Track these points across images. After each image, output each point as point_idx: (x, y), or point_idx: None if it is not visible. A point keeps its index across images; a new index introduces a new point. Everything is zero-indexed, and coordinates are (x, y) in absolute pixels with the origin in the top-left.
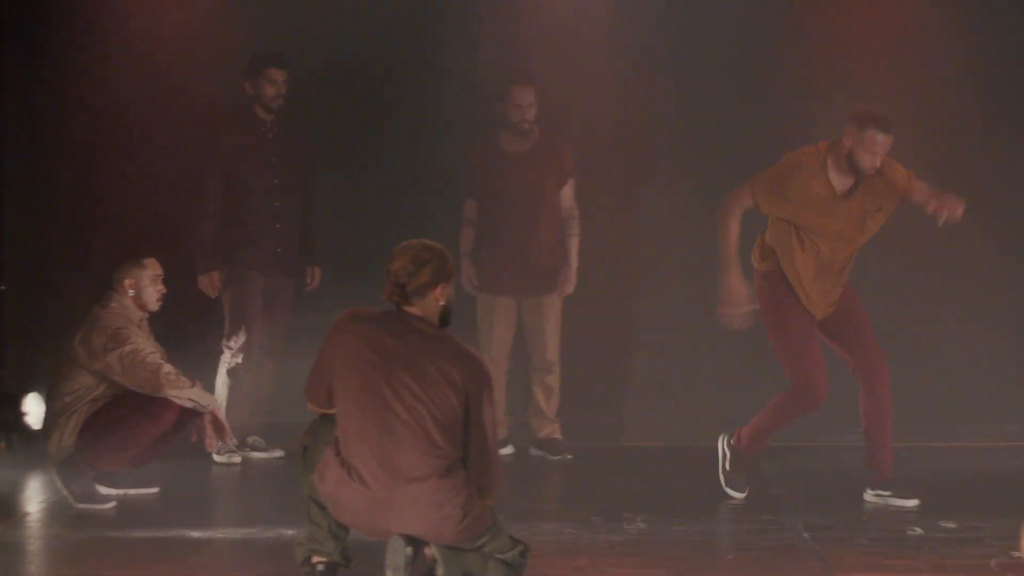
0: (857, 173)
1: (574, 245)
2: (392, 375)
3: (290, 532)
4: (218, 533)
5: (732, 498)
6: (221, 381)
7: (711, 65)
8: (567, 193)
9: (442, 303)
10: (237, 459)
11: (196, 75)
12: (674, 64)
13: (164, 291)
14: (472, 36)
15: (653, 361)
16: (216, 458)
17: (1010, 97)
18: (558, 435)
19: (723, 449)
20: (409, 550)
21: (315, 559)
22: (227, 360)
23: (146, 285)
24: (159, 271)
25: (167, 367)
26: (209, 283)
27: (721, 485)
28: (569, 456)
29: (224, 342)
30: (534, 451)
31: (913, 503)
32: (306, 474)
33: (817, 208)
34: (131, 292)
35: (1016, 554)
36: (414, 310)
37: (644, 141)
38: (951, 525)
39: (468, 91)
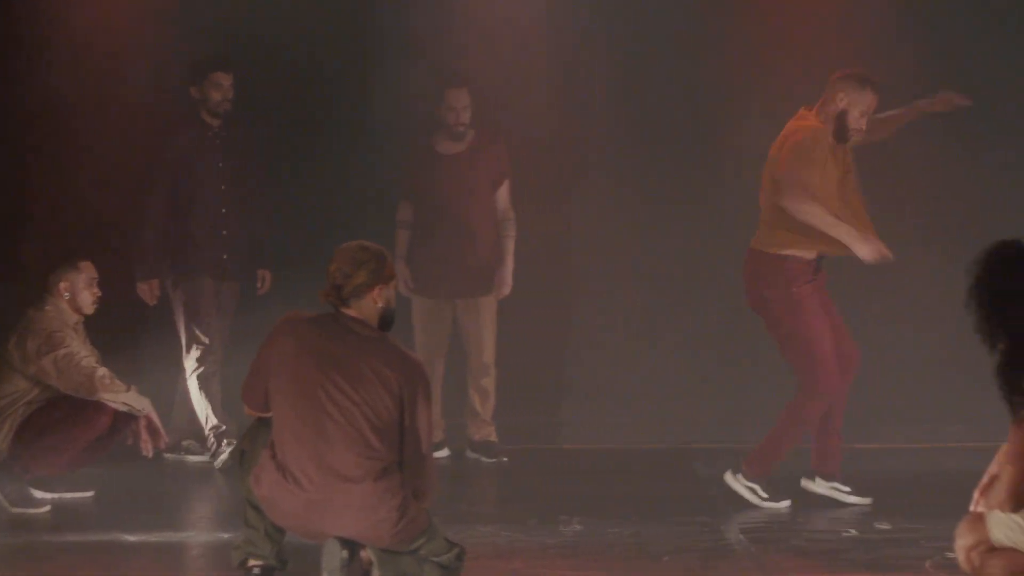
0: (842, 137)
1: (510, 246)
2: (327, 377)
3: (226, 535)
4: (153, 537)
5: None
6: (196, 393)
7: (645, 66)
8: (503, 194)
9: (380, 305)
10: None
11: (138, 78)
12: (608, 64)
13: (99, 294)
14: (407, 38)
15: (589, 363)
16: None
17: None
18: (494, 437)
19: (744, 486)
20: (345, 553)
21: (251, 562)
22: (193, 369)
23: (81, 288)
24: (94, 274)
25: (102, 370)
26: (148, 291)
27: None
28: (505, 458)
29: (185, 353)
30: (470, 453)
31: (867, 501)
32: (243, 477)
33: (833, 189)
34: (66, 295)
35: (950, 555)
36: (352, 312)
37: (579, 141)
38: (886, 527)
39: (404, 93)
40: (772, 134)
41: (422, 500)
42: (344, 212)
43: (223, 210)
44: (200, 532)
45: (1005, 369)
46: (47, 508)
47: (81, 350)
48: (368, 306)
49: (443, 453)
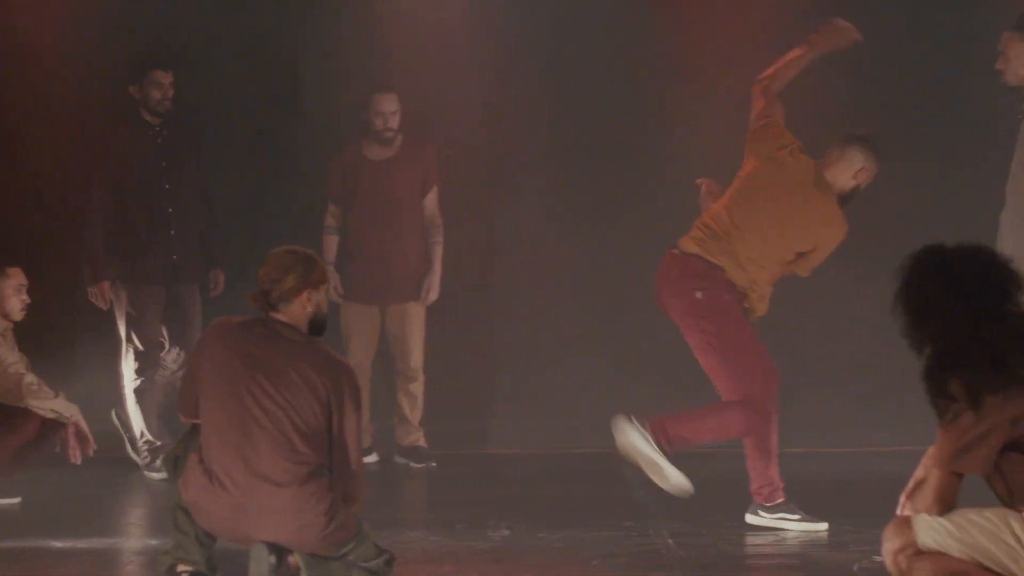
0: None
1: (438, 253)
2: (254, 382)
3: (155, 542)
4: (81, 543)
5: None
6: (131, 404)
7: (574, 71)
8: (431, 201)
9: (310, 310)
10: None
11: (73, 78)
12: (536, 70)
13: (28, 301)
14: (335, 43)
15: (517, 368)
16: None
17: (891, 95)
18: (423, 443)
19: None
20: (272, 558)
21: (181, 567)
22: (131, 380)
23: (9, 295)
24: (23, 281)
25: (29, 377)
26: (99, 294)
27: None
28: (434, 463)
29: (122, 362)
30: (399, 459)
31: (823, 527)
32: (175, 482)
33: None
34: None
35: (878, 558)
36: (281, 317)
37: (507, 147)
38: None
39: (333, 99)
40: (699, 138)
41: (351, 505)
42: (292, 211)
43: (169, 209)
44: (129, 538)
45: (932, 373)
46: None
47: (8, 356)
48: (297, 311)
49: (372, 458)
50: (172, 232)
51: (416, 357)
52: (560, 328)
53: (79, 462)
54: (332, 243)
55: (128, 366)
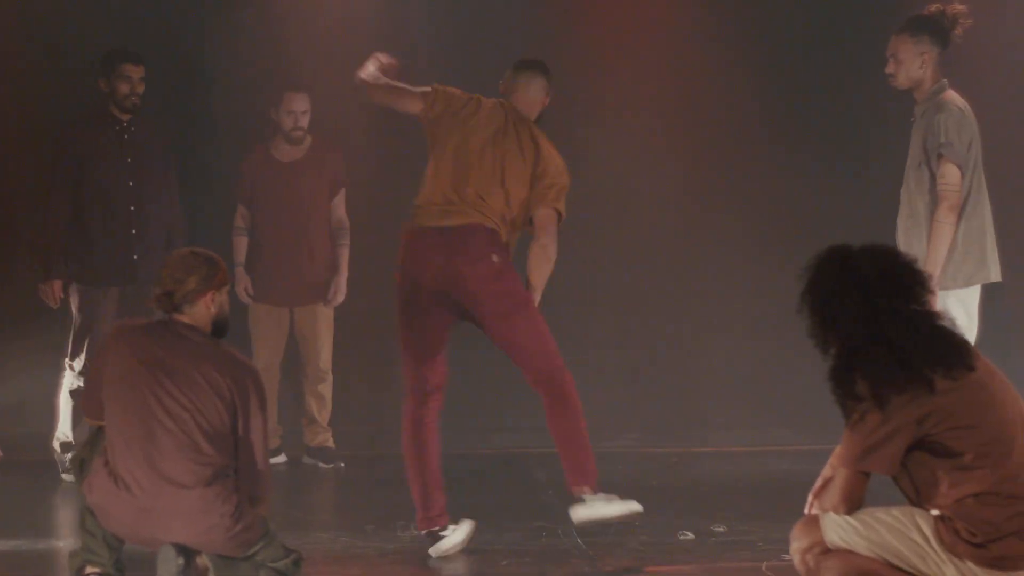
0: None
1: (344, 255)
2: (157, 384)
3: (61, 543)
4: None
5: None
6: (64, 400)
7: (481, 71)
8: (338, 203)
9: (213, 311)
10: None
11: (36, 71)
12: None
13: None
14: (245, 42)
15: None
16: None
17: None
18: (331, 443)
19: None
20: (180, 560)
21: (89, 569)
22: (70, 381)
23: None
24: None
25: None
26: (49, 292)
27: None
28: (342, 464)
29: (67, 360)
30: (307, 459)
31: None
32: (81, 485)
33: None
34: None
35: (787, 557)
36: (184, 319)
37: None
38: (722, 529)
39: (242, 98)
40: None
41: (258, 506)
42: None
43: (131, 207)
44: (38, 540)
45: (838, 373)
46: None
47: None
48: (201, 312)
49: (280, 459)
50: (133, 231)
51: (325, 358)
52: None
53: None
54: (242, 244)
55: (71, 368)
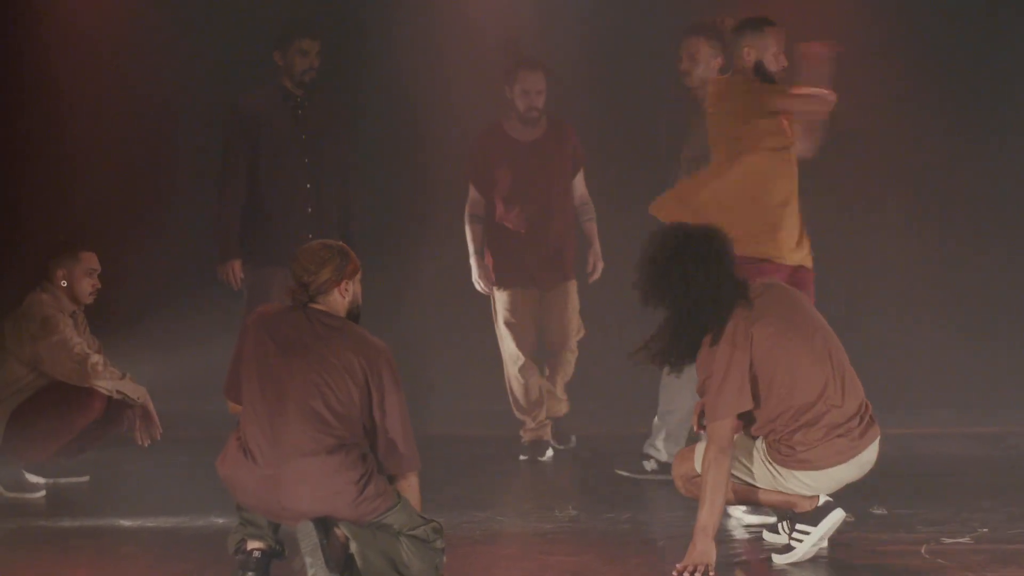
0: (770, 79)
1: (594, 230)
2: (289, 362)
3: (221, 520)
4: (149, 522)
5: None
6: None
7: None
8: (579, 181)
9: (347, 300)
10: None
11: (152, 70)
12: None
13: (98, 286)
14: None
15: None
16: None
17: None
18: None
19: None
20: (318, 534)
21: (251, 545)
22: None
23: (80, 277)
24: (95, 266)
25: (95, 357)
26: (230, 273)
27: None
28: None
29: None
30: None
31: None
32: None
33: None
34: (63, 283)
35: (946, 540)
36: (319, 306)
37: (640, 128)
38: (882, 512)
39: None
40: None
41: (400, 479)
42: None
43: (307, 185)
44: (196, 517)
45: (684, 326)
46: (42, 493)
47: (74, 337)
48: (335, 301)
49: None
50: (309, 210)
51: (574, 339)
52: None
53: (146, 444)
54: (477, 232)
55: None
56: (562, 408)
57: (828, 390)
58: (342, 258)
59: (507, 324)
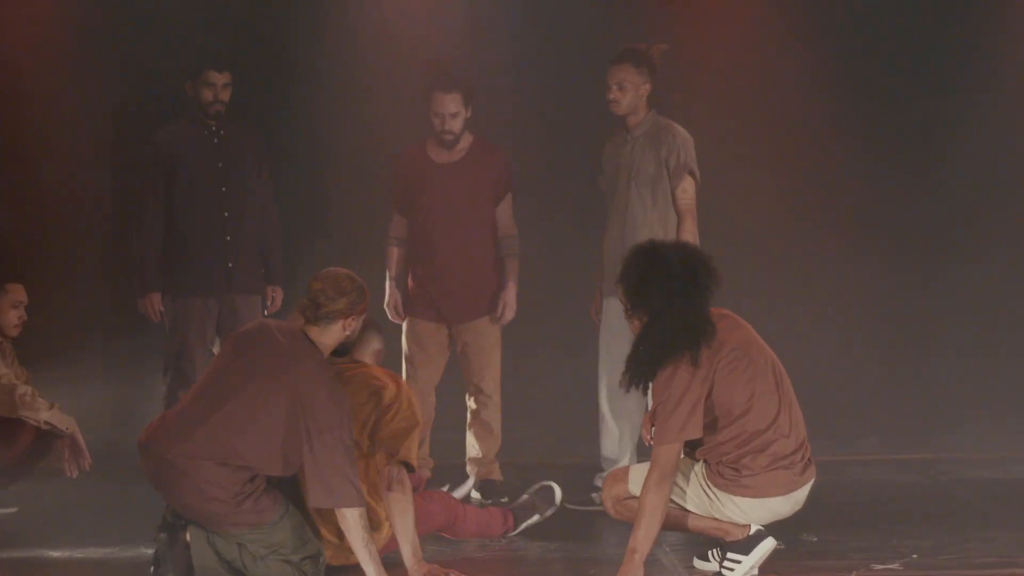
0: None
1: (513, 266)
2: (244, 383)
3: (150, 551)
4: (78, 552)
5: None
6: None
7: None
8: (504, 209)
9: (347, 333)
10: None
11: (127, 74)
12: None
13: (24, 318)
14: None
15: None
16: None
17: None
18: (497, 475)
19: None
20: (162, 535)
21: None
22: (163, 397)
23: (6, 309)
24: (22, 298)
25: (23, 388)
26: (149, 306)
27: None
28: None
29: (162, 377)
30: (474, 494)
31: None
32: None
33: None
34: None
35: (877, 567)
36: (313, 329)
37: (579, 149)
38: (813, 539)
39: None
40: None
41: (321, 505)
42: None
43: (225, 214)
44: (126, 548)
45: (643, 341)
46: None
47: (2, 368)
48: (334, 331)
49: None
50: (228, 238)
51: (489, 381)
52: None
53: (75, 475)
54: (394, 256)
55: (166, 384)
56: (493, 472)
57: (780, 419)
58: (359, 295)
59: (406, 357)
